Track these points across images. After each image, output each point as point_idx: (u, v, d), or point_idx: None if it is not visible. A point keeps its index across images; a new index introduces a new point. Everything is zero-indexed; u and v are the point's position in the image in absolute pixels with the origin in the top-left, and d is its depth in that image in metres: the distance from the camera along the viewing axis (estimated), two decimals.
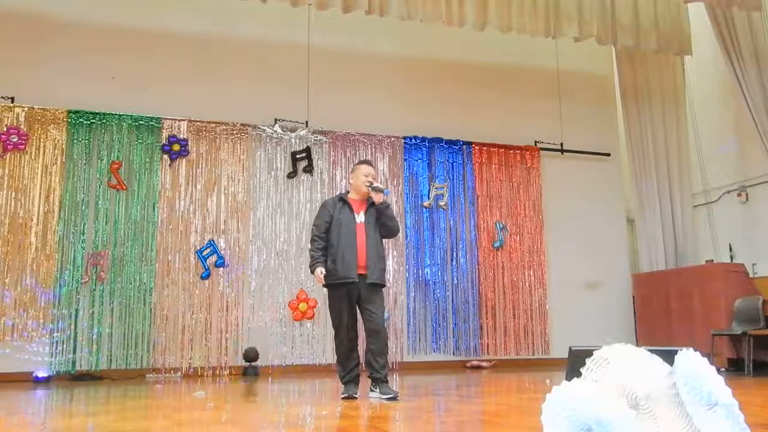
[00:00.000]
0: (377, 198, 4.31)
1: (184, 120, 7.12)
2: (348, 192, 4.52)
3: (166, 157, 7.04)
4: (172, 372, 6.60)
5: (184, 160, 7.09)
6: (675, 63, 8.58)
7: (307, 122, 7.52)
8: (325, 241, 4.30)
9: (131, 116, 6.96)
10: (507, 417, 3.39)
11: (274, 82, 7.48)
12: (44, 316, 6.41)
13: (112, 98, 6.91)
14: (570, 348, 1.96)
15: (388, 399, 4.07)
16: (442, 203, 7.90)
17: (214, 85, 7.28)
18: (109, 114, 6.89)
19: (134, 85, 7.06)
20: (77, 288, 6.53)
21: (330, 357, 6.78)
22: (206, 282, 6.92)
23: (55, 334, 6.40)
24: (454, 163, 8.04)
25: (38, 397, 4.89)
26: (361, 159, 5.23)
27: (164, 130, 7.05)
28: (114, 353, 6.52)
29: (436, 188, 7.92)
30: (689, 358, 1.68)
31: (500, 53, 8.31)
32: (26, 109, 6.69)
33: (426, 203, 7.85)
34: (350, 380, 4.28)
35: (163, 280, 6.79)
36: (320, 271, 4.17)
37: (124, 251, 6.71)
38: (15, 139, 6.57)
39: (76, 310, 6.48)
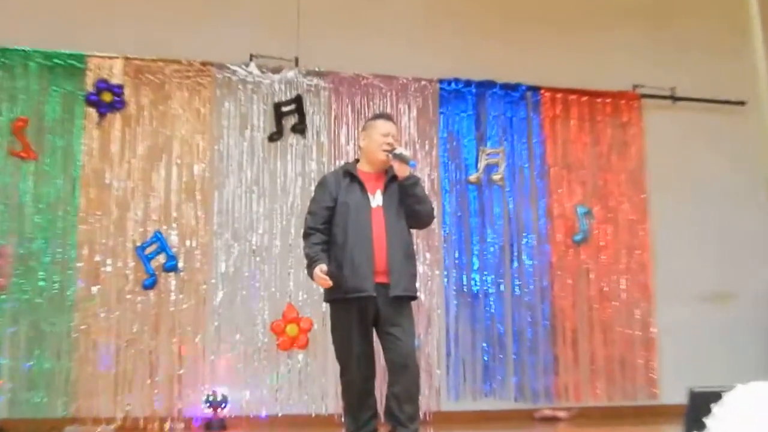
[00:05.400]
0: (401, 171, 3.77)
1: (117, 58, 5.88)
2: (358, 161, 4.01)
3: (92, 111, 5.86)
4: (103, 423, 5.53)
5: (118, 115, 5.87)
6: None
7: (297, 59, 6.15)
8: (326, 235, 3.72)
9: (42, 52, 5.77)
10: None
11: (249, 3, 6.31)
12: None
13: (15, 27, 5.73)
14: (689, 390, 2.04)
15: None
16: (496, 177, 6.48)
17: (160, 7, 6.08)
18: (10, 50, 5.67)
19: (48, 9, 5.90)
20: None
21: (333, 404, 5.69)
22: (151, 293, 5.73)
23: None
24: (514, 119, 6.59)
25: None
26: (377, 113, 4.92)
27: (90, 72, 5.85)
28: (18, 396, 5.46)
29: (487, 155, 6.47)
30: None
31: None
32: None
33: (473, 177, 6.46)
34: None
35: (89, 289, 5.63)
36: (320, 268, 3.61)
37: (32, 247, 5.68)
38: None
39: None
